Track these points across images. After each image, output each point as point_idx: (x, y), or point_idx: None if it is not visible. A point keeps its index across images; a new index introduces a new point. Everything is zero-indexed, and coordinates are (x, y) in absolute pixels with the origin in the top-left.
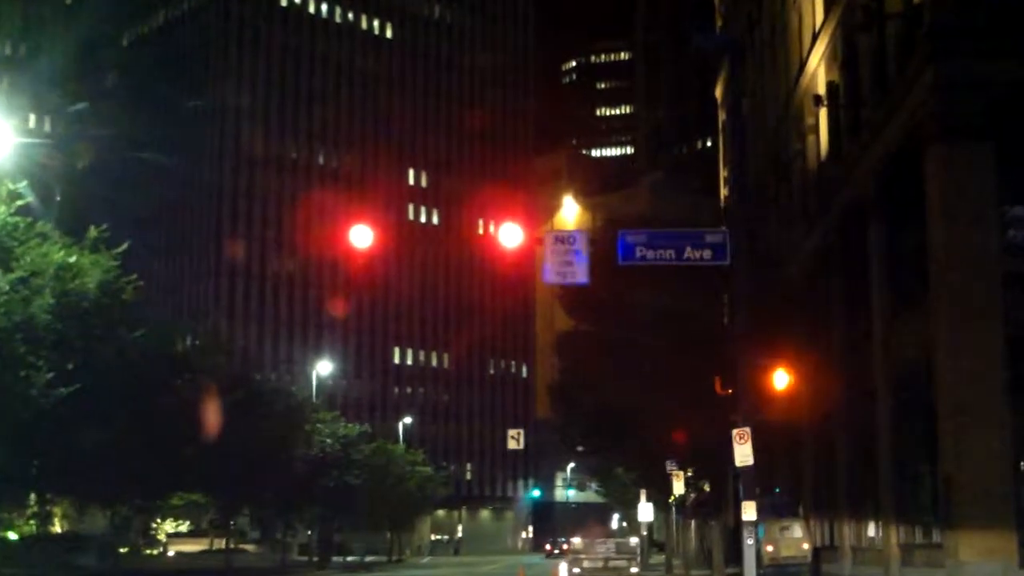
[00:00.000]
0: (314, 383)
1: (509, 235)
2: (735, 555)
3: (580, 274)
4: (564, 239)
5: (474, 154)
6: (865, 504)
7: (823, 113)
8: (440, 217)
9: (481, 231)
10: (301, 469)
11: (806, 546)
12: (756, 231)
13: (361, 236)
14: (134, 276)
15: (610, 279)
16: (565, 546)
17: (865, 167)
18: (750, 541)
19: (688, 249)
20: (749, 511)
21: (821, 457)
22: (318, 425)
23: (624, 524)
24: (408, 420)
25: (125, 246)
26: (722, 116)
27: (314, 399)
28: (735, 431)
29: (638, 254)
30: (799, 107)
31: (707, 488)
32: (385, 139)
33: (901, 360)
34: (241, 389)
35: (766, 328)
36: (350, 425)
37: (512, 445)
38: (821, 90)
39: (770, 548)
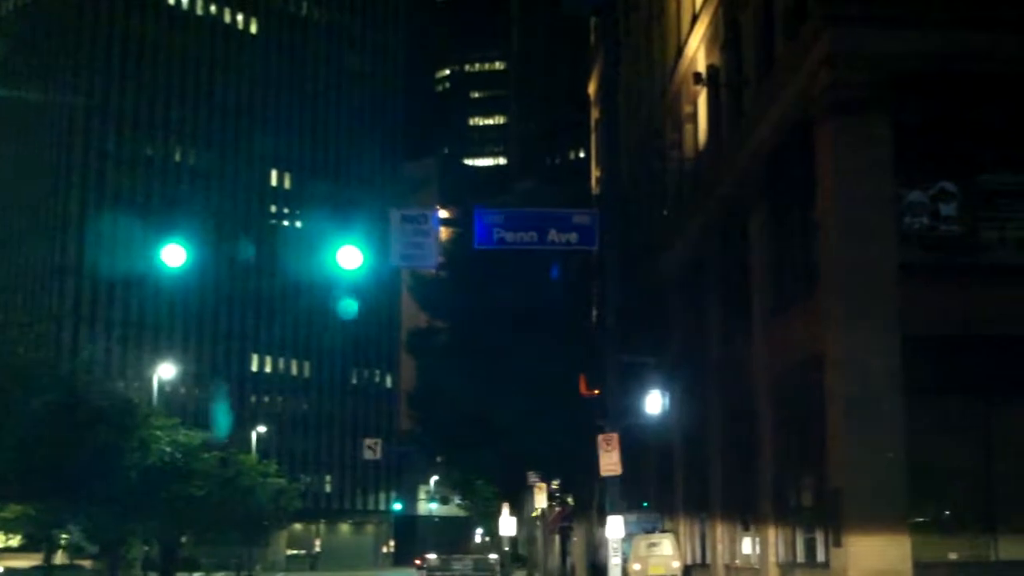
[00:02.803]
0: (155, 388)
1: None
2: (601, 572)
3: (429, 257)
4: (413, 218)
5: (340, 157)
6: (742, 518)
7: (702, 100)
8: (303, 219)
9: None
10: (135, 478)
11: (676, 564)
12: (630, 228)
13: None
14: None
15: (468, 268)
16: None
17: (748, 153)
18: (615, 560)
19: (552, 232)
20: (614, 526)
21: (695, 466)
22: (156, 432)
23: (488, 539)
24: (262, 429)
25: None
26: (595, 115)
27: (154, 404)
28: (600, 437)
29: (496, 236)
30: (676, 95)
31: (571, 501)
32: (247, 138)
33: (785, 362)
34: (59, 391)
35: (639, 329)
36: (190, 433)
37: (368, 455)
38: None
39: (637, 566)
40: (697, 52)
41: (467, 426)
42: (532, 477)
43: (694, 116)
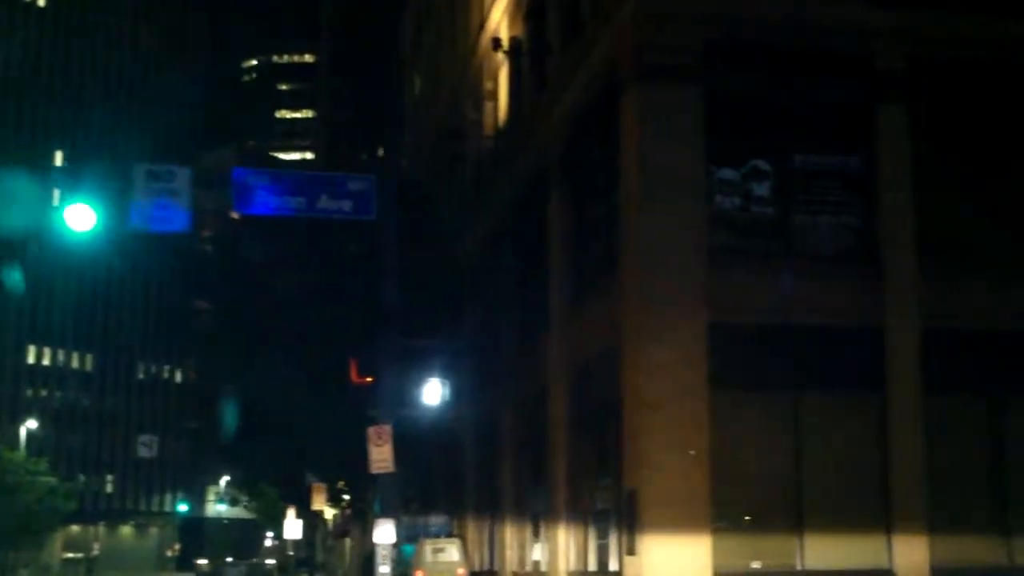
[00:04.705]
0: None
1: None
2: None
3: (179, 220)
4: (160, 174)
5: (132, 140)
6: (533, 522)
7: (503, 75)
8: (107, 213)
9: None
10: None
11: (462, 571)
12: (430, 213)
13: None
14: None
15: (237, 244)
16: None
17: (549, 127)
18: (384, 568)
19: (324, 198)
20: (385, 530)
21: (486, 466)
22: None
23: (276, 542)
24: (33, 424)
25: None
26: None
27: None
28: (371, 429)
29: (259, 200)
30: (478, 72)
31: (347, 500)
32: (30, 117)
33: (582, 353)
34: None
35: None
36: None
37: (144, 453)
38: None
39: (421, 573)
40: (500, 24)
41: (245, 419)
42: (310, 477)
43: (495, 93)
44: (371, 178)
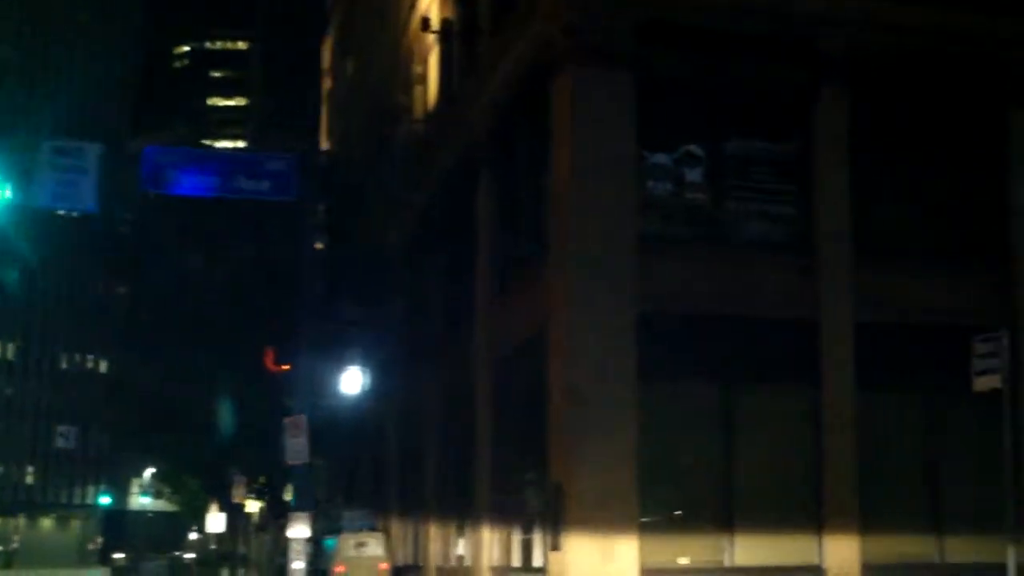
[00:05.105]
0: None
1: None
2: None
3: (87, 199)
4: (67, 151)
5: (58, 122)
6: (457, 516)
7: (433, 58)
8: (13, 190)
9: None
10: None
11: (384, 566)
12: (356, 198)
13: None
14: None
15: (158, 227)
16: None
17: (478, 111)
18: (297, 564)
19: (241, 178)
20: (298, 525)
21: (410, 459)
22: None
23: (200, 536)
24: None
25: None
26: (327, 85)
27: None
28: (287, 419)
29: (171, 180)
30: (407, 55)
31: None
32: None
33: (508, 343)
34: None
35: (360, 305)
36: None
37: (61, 444)
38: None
39: (342, 568)
40: (431, 5)
41: (160, 410)
42: (232, 469)
43: (425, 77)
44: (291, 157)
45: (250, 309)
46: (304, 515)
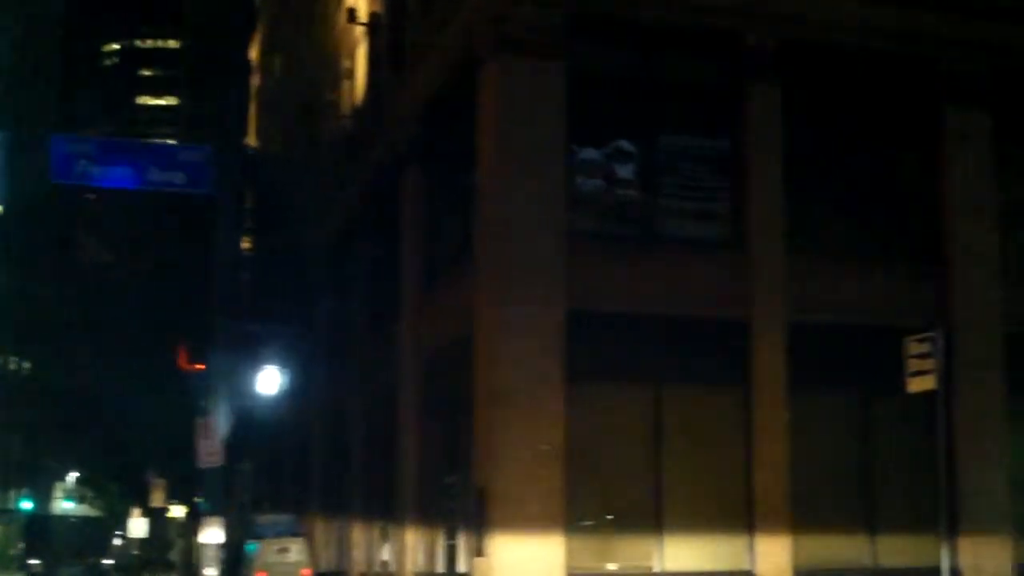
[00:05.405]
0: None
1: None
2: None
3: None
4: None
5: None
6: (382, 520)
7: (361, 52)
8: None
9: None
10: None
11: (306, 572)
12: (281, 195)
13: None
14: None
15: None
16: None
17: (405, 106)
18: (209, 571)
19: (154, 169)
20: (211, 530)
21: (335, 461)
22: None
23: (123, 540)
24: None
25: None
26: (256, 82)
27: None
28: (199, 421)
29: (79, 170)
30: (335, 49)
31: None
32: None
33: (434, 343)
34: None
35: (284, 304)
36: None
37: None
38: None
39: (262, 575)
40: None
41: (78, 413)
42: (149, 473)
43: (353, 71)
44: (207, 149)
45: (166, 307)
46: (216, 520)
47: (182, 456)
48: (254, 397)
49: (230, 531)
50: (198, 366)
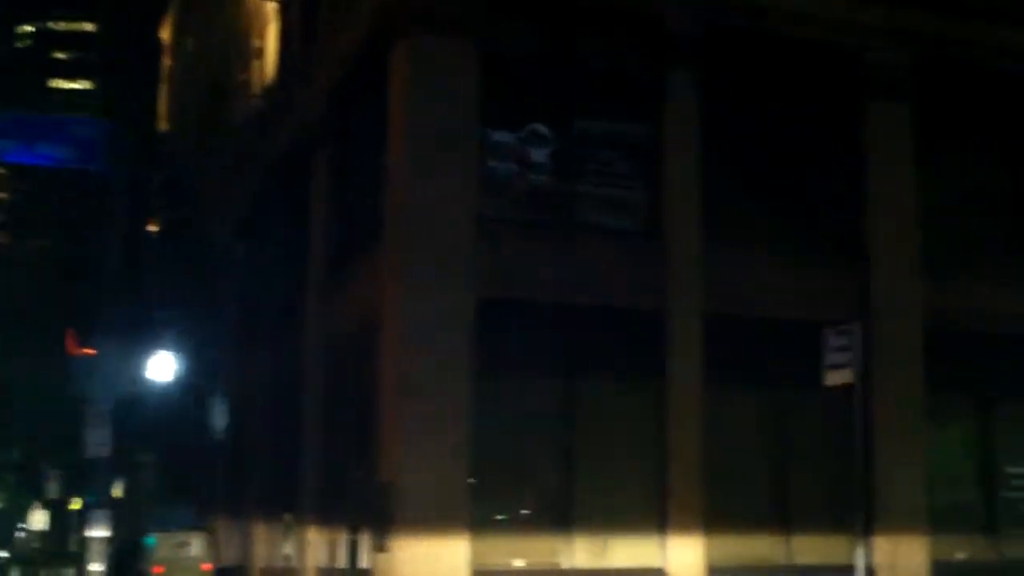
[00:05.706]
0: None
1: None
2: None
3: None
4: None
5: None
6: (284, 515)
7: (272, 31)
8: None
9: None
10: None
11: (206, 567)
12: (186, 176)
13: None
14: None
15: None
16: None
17: (316, 84)
18: (95, 566)
19: (43, 143)
20: (96, 523)
21: (238, 453)
22: None
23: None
24: None
25: None
26: (167, 64)
27: None
28: (87, 409)
29: None
30: (246, 29)
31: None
32: None
33: (340, 332)
34: None
35: (185, 288)
36: None
37: None
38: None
39: (160, 570)
40: None
41: None
42: (44, 465)
43: (263, 51)
44: (100, 123)
45: (56, 291)
46: (102, 513)
47: (76, 446)
48: (146, 384)
49: (117, 525)
50: (87, 351)
